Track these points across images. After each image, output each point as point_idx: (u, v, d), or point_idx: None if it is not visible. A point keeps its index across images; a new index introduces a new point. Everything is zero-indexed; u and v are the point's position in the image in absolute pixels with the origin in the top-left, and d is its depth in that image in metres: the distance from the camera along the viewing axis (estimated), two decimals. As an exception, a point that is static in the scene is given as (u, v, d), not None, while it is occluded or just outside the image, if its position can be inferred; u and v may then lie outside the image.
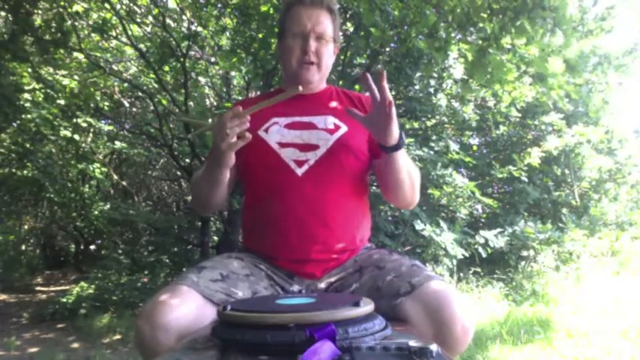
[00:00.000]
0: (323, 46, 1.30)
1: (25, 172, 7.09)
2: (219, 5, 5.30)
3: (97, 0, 5.28)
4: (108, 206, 7.96)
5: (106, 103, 6.91)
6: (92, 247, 10.61)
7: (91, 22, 5.61)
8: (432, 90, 5.91)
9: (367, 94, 1.08)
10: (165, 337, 0.96)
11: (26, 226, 10.55)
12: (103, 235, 8.94)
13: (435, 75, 5.82)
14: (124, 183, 8.64)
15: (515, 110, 6.04)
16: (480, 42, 2.77)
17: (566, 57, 2.64)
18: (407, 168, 1.21)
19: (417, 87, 5.81)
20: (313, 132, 1.26)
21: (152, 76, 5.97)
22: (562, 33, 2.53)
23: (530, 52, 2.86)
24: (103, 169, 7.85)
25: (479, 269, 5.10)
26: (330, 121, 1.29)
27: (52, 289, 8.07)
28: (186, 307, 0.99)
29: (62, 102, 5.98)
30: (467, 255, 4.94)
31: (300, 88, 1.13)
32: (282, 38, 1.33)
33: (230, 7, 5.18)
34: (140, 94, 6.78)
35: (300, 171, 1.21)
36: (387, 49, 5.61)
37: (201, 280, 1.07)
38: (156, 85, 6.24)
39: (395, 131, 1.09)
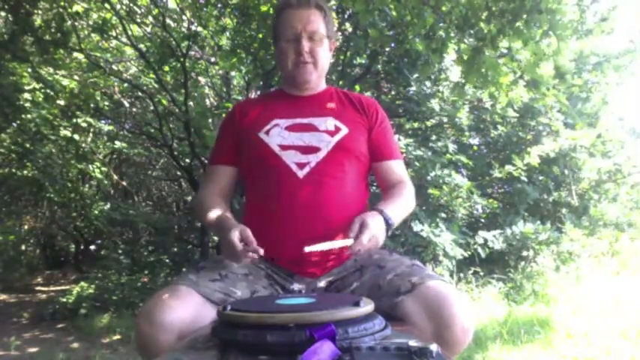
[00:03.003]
0: (317, 45, 1.30)
1: (25, 172, 7.07)
2: (219, 5, 5.30)
3: (97, 0, 5.27)
4: (108, 206, 7.95)
5: (106, 103, 6.89)
6: (92, 247, 10.59)
7: (91, 22, 5.59)
8: (428, 91, 5.90)
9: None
10: (165, 336, 0.96)
11: (26, 226, 10.53)
12: (103, 235, 8.92)
13: (432, 76, 5.81)
14: (124, 183, 8.63)
15: (512, 111, 6.03)
16: (476, 42, 2.76)
17: (557, 63, 2.62)
18: (400, 215, 1.26)
19: (414, 88, 5.80)
20: (314, 134, 1.27)
21: (152, 76, 5.96)
22: (556, 38, 2.52)
23: (525, 56, 2.84)
24: (103, 169, 7.83)
25: (478, 269, 5.09)
26: (331, 122, 1.29)
27: (52, 289, 8.07)
28: (186, 307, 1.00)
29: (62, 102, 5.98)
30: (466, 255, 4.94)
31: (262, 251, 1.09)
32: (277, 42, 1.34)
33: (230, 7, 5.17)
34: (140, 94, 6.77)
35: (301, 173, 1.22)
36: (387, 49, 5.60)
37: (200, 280, 1.08)
38: (156, 85, 6.23)
39: (379, 237, 1.12)
